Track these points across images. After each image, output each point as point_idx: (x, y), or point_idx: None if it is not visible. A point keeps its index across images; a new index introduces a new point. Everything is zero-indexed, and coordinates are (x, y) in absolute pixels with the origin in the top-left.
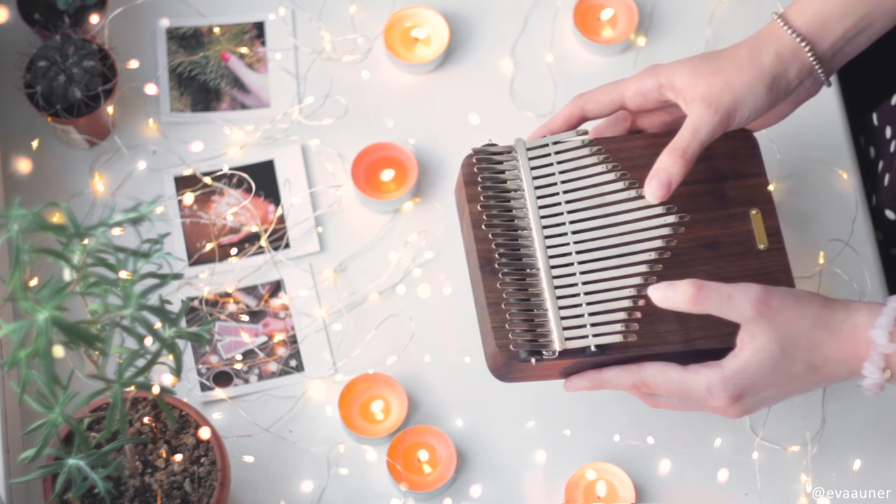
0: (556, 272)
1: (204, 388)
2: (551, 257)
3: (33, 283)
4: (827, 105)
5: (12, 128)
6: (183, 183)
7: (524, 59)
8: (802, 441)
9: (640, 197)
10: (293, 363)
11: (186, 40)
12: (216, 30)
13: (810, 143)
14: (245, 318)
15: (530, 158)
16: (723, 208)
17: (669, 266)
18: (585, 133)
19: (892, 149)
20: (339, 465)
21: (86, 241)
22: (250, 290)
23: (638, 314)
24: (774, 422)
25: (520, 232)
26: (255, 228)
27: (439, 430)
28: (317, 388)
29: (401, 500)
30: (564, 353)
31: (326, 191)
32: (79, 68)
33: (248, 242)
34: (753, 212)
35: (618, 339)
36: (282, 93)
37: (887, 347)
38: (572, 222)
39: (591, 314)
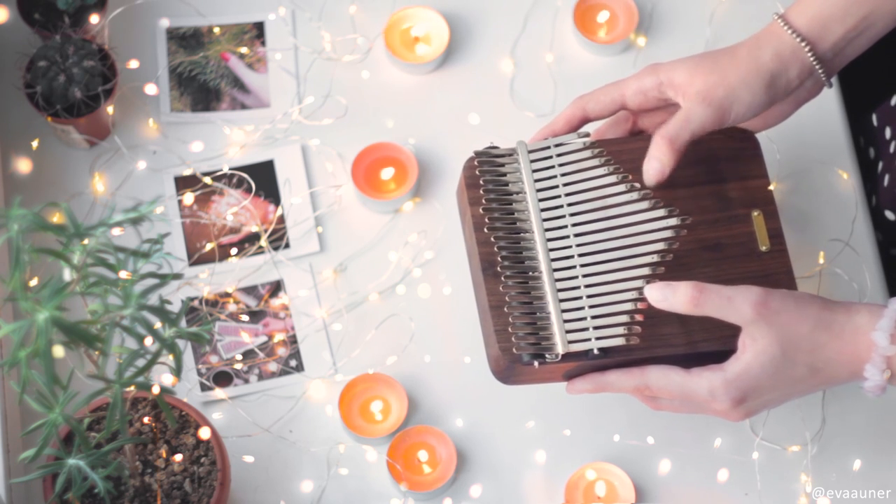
0: (558, 275)
1: (204, 388)
2: (553, 260)
3: (33, 283)
4: (827, 105)
5: (12, 128)
6: (183, 183)
7: (524, 59)
8: (802, 441)
9: (642, 199)
10: (293, 363)
11: (186, 40)
12: (216, 30)
13: (810, 143)
14: (245, 318)
15: (532, 161)
16: (724, 210)
17: (671, 268)
18: (587, 135)
19: (891, 149)
20: (339, 465)
21: (86, 241)
22: (250, 290)
23: (640, 317)
24: (774, 422)
25: (522, 234)
26: (255, 228)
27: (439, 430)
28: (317, 388)
29: (401, 500)
30: (567, 356)
31: (326, 191)
32: (79, 68)
33: (248, 242)
34: (755, 213)
35: (620, 341)
36: (282, 93)
37: (888, 349)
38: (574, 225)
39: (594, 317)
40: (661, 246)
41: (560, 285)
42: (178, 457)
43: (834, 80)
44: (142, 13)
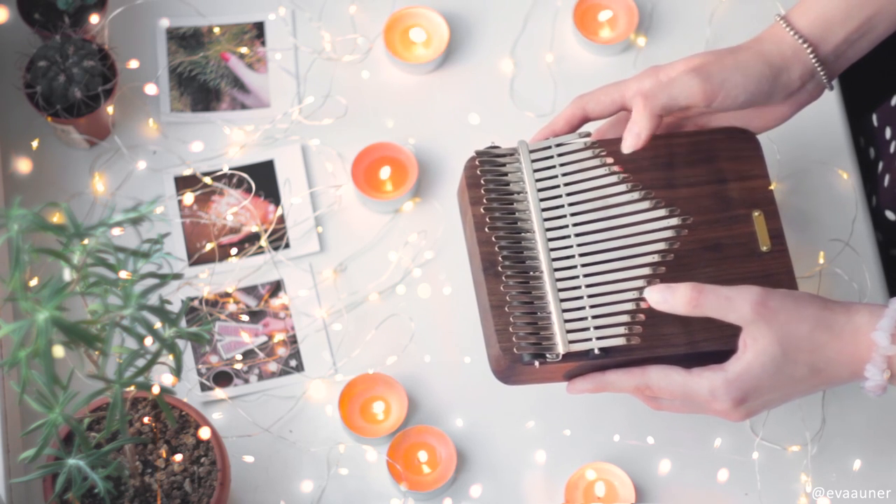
0: (559, 275)
1: (204, 388)
2: (554, 260)
3: (33, 283)
4: (827, 106)
5: (12, 128)
6: (183, 183)
7: (524, 59)
8: (802, 441)
9: (643, 199)
10: (293, 363)
11: (186, 40)
12: (216, 30)
13: (810, 144)
14: (245, 318)
15: (533, 161)
16: (725, 210)
17: (672, 268)
18: (588, 135)
19: (891, 150)
20: (339, 465)
21: (86, 241)
22: (250, 290)
23: (641, 316)
24: (774, 422)
25: (523, 234)
26: (255, 228)
27: (439, 430)
28: (317, 388)
29: (401, 500)
30: (568, 356)
31: (326, 191)
32: (79, 68)
33: (248, 242)
34: (756, 213)
35: (621, 341)
36: (282, 93)
37: (889, 349)
38: (575, 224)
39: (595, 317)
40: (661, 246)
41: (561, 285)
42: (178, 457)
43: (834, 81)
44: (142, 13)
